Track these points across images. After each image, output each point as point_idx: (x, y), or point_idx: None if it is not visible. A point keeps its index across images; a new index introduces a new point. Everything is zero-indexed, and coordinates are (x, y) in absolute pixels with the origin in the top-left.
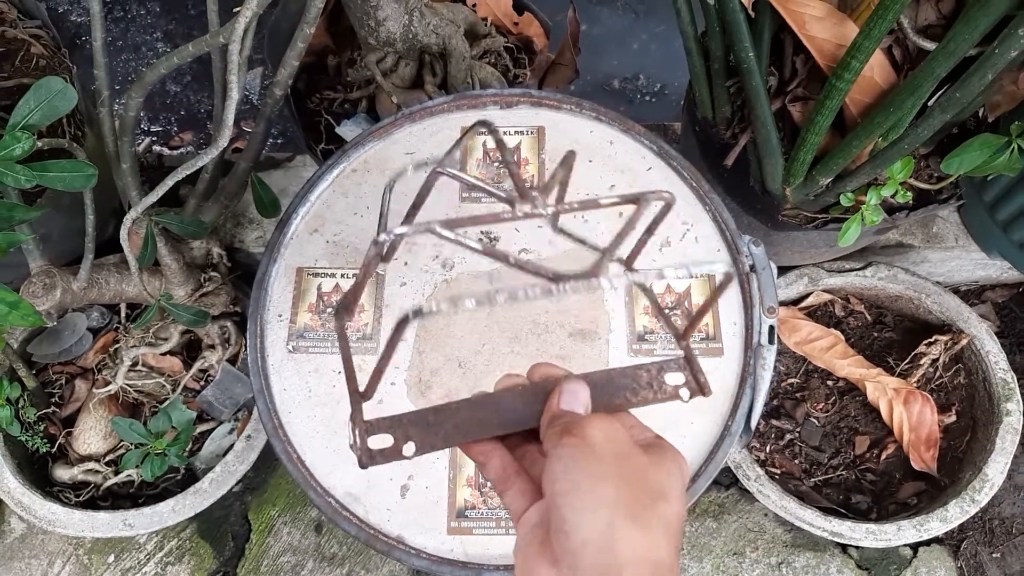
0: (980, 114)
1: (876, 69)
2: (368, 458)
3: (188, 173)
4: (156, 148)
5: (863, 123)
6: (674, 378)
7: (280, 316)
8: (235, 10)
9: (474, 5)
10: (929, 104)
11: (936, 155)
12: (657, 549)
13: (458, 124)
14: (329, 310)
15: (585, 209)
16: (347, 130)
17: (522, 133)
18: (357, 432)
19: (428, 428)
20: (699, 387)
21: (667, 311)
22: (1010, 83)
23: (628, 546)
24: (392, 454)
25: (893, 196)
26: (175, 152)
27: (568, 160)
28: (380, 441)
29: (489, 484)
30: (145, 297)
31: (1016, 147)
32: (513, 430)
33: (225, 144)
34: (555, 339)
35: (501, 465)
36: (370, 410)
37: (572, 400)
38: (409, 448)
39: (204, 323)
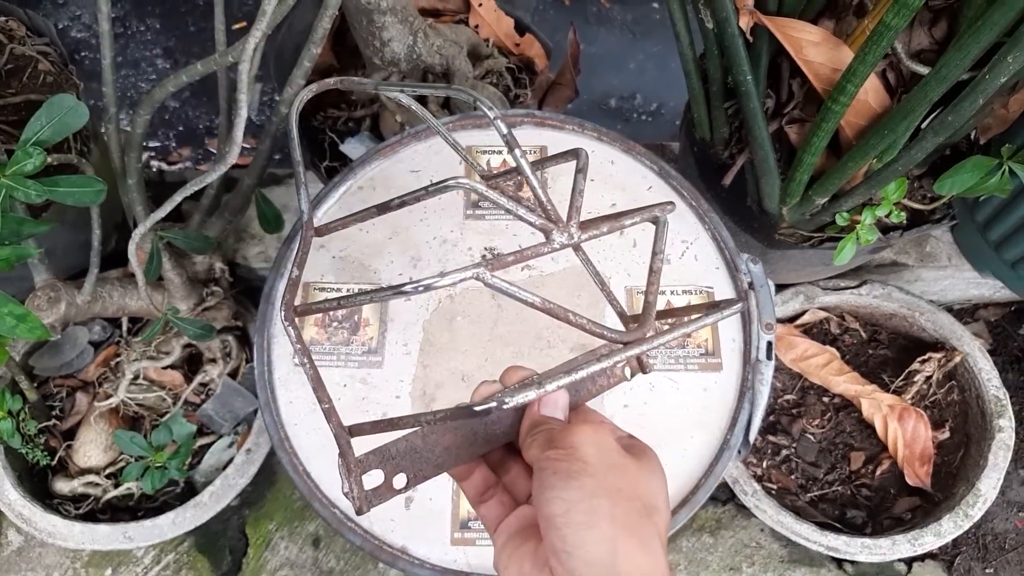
0: (972, 136)
1: (871, 93)
2: (366, 504)
3: (196, 189)
4: (154, 164)
5: (858, 145)
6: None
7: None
8: (235, 27)
9: (476, 26)
10: (922, 127)
11: (929, 176)
12: (657, 563)
13: (462, 143)
14: (334, 324)
15: (612, 232)
16: (351, 148)
17: (525, 152)
18: (351, 478)
19: (417, 456)
20: (640, 367)
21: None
22: (1001, 107)
23: (632, 563)
24: (385, 492)
25: (887, 216)
26: (174, 168)
27: (581, 161)
28: (371, 479)
29: None
30: (150, 311)
31: (1007, 169)
32: (498, 444)
33: (234, 161)
34: (558, 354)
35: (482, 480)
36: (388, 408)
37: (552, 407)
38: (400, 480)
39: (209, 337)
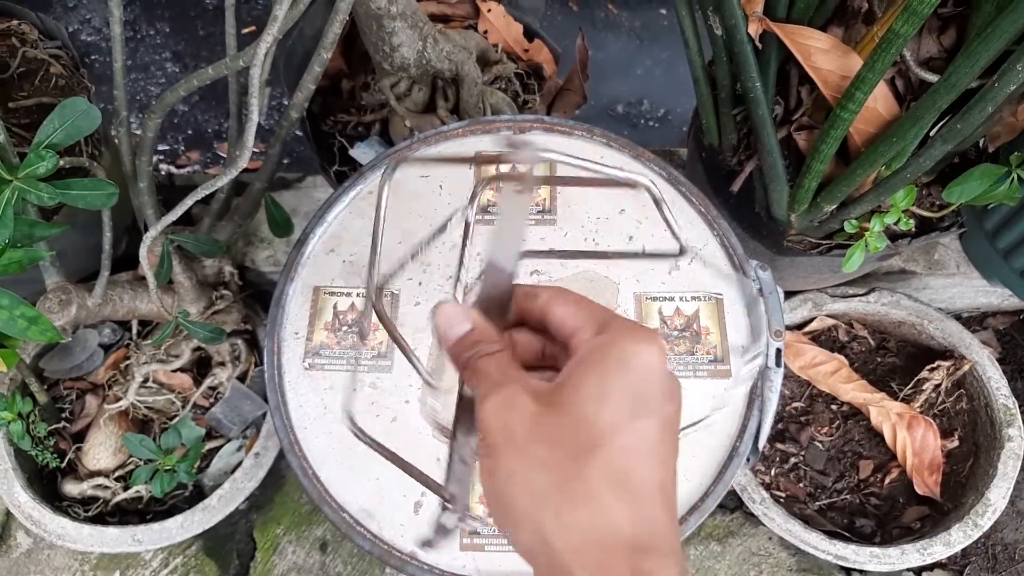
0: (981, 144)
1: (879, 100)
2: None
3: (207, 193)
4: (163, 167)
5: (867, 152)
6: None
7: (297, 334)
8: (245, 31)
9: (485, 32)
10: (931, 134)
11: (938, 184)
12: (602, 508)
13: (472, 148)
14: (344, 328)
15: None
16: (360, 153)
17: None
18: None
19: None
20: None
21: (676, 333)
22: (1010, 114)
23: (565, 534)
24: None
25: (896, 223)
26: (182, 171)
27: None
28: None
29: None
30: (160, 314)
31: (1016, 177)
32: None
33: (245, 165)
34: None
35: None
36: (385, 428)
37: (448, 326)
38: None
39: (220, 340)
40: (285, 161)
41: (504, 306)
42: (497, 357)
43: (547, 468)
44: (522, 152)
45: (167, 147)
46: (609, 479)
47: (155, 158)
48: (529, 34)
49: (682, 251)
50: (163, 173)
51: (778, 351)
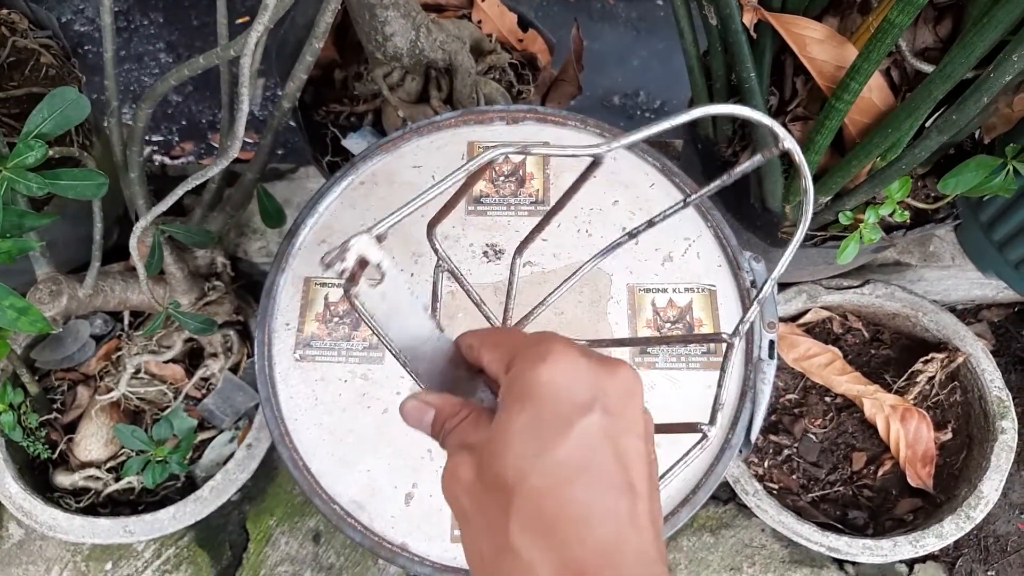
0: (976, 135)
1: (875, 91)
2: (334, 260)
3: (198, 184)
4: (157, 158)
5: (862, 143)
6: None
7: (288, 325)
8: (239, 21)
9: (479, 22)
10: (927, 125)
11: (933, 175)
12: (500, 546)
13: (464, 139)
14: (335, 319)
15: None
16: (353, 143)
17: None
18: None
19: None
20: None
21: (669, 324)
22: (1005, 106)
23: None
24: (347, 276)
25: (891, 215)
26: (176, 162)
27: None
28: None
29: None
30: (151, 305)
31: (1011, 168)
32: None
33: (235, 155)
34: None
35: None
36: (376, 420)
37: (414, 421)
38: (362, 287)
39: (211, 331)
40: (280, 151)
41: (457, 362)
42: (458, 428)
43: (488, 535)
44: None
45: (161, 137)
46: (528, 529)
47: (149, 149)
48: (523, 24)
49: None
50: (157, 164)
51: (771, 343)
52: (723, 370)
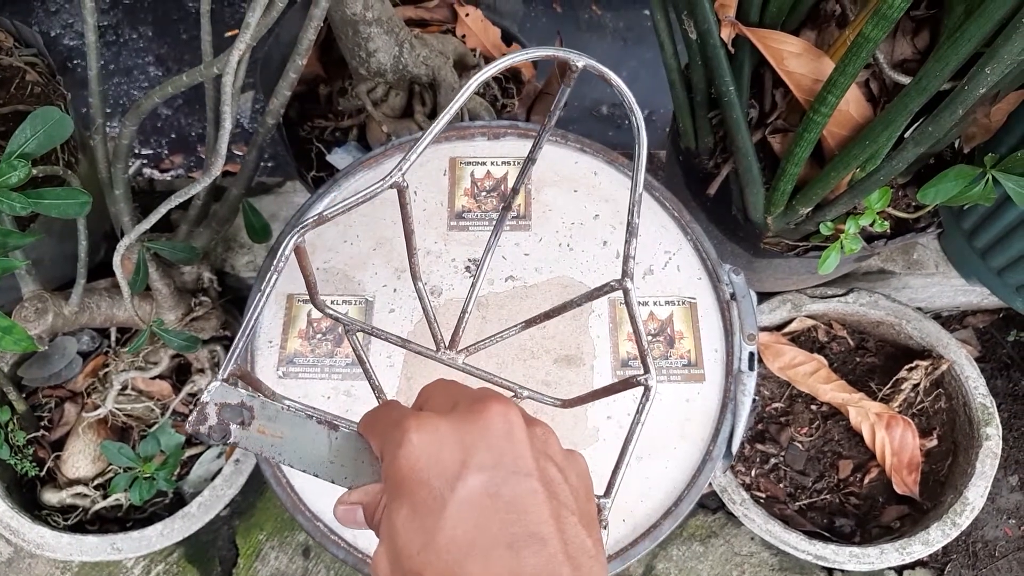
0: (956, 145)
1: (852, 104)
2: (199, 423)
3: (182, 200)
4: (147, 171)
5: (840, 155)
6: None
7: (271, 342)
8: (227, 35)
9: (463, 36)
10: (904, 137)
11: (914, 185)
12: None
13: (447, 155)
14: (318, 336)
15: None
16: (338, 158)
17: (508, 163)
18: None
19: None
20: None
21: (650, 337)
22: (984, 116)
23: None
24: (216, 432)
25: (871, 225)
26: (165, 175)
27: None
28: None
29: None
30: (136, 322)
31: (990, 178)
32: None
33: (219, 172)
34: (541, 365)
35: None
36: None
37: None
38: (235, 433)
39: (195, 348)
40: (270, 164)
41: (368, 445)
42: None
43: None
44: None
45: (150, 151)
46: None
47: (139, 162)
48: (507, 38)
49: None
50: (145, 177)
51: (751, 355)
52: (632, 316)
